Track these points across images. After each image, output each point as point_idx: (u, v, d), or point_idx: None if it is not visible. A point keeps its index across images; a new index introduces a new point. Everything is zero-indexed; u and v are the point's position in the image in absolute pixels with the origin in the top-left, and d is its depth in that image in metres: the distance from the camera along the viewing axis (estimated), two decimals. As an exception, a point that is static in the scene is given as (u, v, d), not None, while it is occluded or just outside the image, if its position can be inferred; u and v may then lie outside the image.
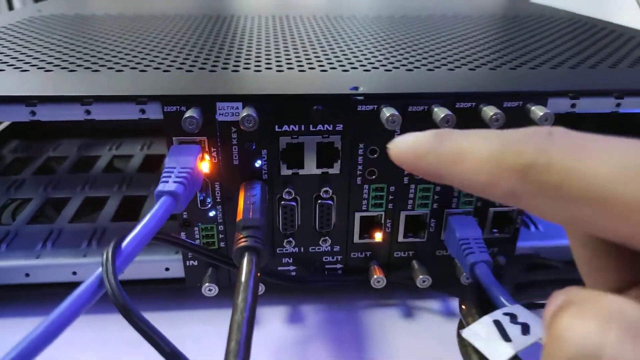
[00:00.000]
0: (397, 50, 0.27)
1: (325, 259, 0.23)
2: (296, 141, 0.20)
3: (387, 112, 0.19)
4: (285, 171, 0.21)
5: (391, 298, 0.24)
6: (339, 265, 0.23)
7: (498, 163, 0.12)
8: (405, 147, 0.14)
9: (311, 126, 0.20)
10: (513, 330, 0.15)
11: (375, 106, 0.19)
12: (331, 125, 0.20)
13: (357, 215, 0.22)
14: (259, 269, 0.17)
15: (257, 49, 0.26)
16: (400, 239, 0.23)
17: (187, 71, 0.22)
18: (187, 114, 0.18)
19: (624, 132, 0.11)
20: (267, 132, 0.20)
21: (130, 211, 0.27)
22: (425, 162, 0.13)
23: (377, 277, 0.22)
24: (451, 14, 0.39)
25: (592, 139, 0.11)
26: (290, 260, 0.23)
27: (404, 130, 0.19)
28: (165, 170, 0.18)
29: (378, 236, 0.23)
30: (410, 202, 0.22)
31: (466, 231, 0.21)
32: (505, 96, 0.20)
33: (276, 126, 0.20)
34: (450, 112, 0.19)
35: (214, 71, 0.22)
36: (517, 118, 0.20)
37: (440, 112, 0.19)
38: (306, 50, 0.26)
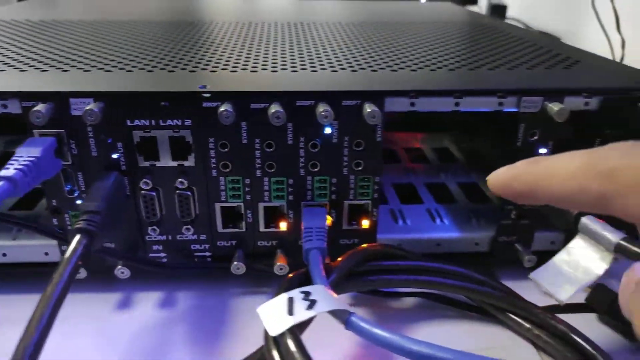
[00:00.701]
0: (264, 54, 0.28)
1: (194, 246, 0.25)
2: (149, 135, 0.22)
3: (223, 107, 0.20)
4: (142, 163, 0.22)
5: (265, 286, 0.26)
6: (207, 253, 0.25)
7: (588, 169, 0.14)
8: (503, 173, 0.16)
9: (161, 121, 0.21)
10: (300, 305, 0.17)
11: (220, 103, 0.21)
12: (180, 120, 0.22)
13: (217, 205, 0.23)
14: (88, 250, 0.18)
15: (128, 51, 0.28)
16: (262, 228, 0.24)
17: (86, 71, 0.24)
18: (34, 108, 0.20)
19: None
20: (119, 126, 0.21)
21: None
22: (519, 182, 0.16)
23: (237, 264, 0.24)
24: (334, 20, 0.41)
25: None
26: (160, 248, 0.24)
27: (245, 126, 0.21)
28: (12, 158, 0.19)
29: (241, 225, 0.24)
30: (266, 193, 0.23)
31: (312, 221, 0.23)
32: (344, 95, 0.22)
33: (128, 121, 0.21)
34: (282, 110, 0.21)
35: (89, 71, 0.24)
36: (353, 117, 0.22)
37: (272, 108, 0.21)
38: (171, 52, 0.28)
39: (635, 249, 0.18)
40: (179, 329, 0.23)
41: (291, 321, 0.16)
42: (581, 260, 0.19)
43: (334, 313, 0.17)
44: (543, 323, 0.21)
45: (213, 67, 0.25)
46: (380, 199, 0.29)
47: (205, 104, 0.21)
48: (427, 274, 0.23)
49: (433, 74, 0.25)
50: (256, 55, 0.28)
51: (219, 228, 0.24)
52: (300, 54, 0.29)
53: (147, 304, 0.25)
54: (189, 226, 0.24)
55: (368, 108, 0.21)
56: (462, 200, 0.29)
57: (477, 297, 0.23)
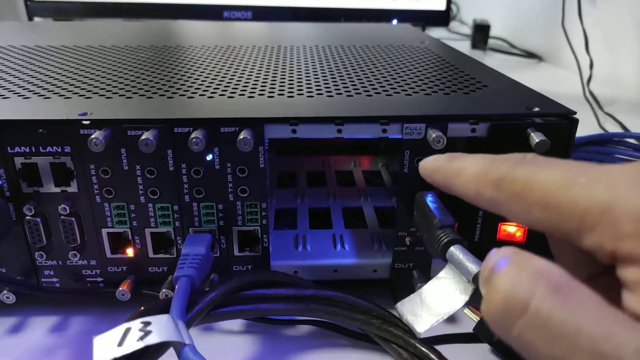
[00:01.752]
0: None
1: (85, 271, 0.25)
2: (30, 161, 0.22)
3: (98, 135, 0.21)
4: (26, 189, 0.22)
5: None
6: (99, 279, 0.25)
7: (482, 177, 0.16)
8: (428, 163, 0.19)
9: (41, 148, 0.22)
10: (133, 336, 0.17)
11: (96, 130, 0.21)
12: (60, 147, 0.22)
13: (104, 231, 0.24)
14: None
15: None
16: (151, 254, 0.24)
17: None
18: None
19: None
20: (1, 153, 0.22)
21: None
22: (438, 175, 0.19)
23: (121, 291, 0.24)
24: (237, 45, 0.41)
25: (551, 162, 0.15)
26: (52, 272, 0.24)
27: (125, 153, 0.22)
28: None
29: (130, 252, 0.24)
30: (152, 219, 0.23)
31: (191, 248, 0.22)
32: (222, 122, 0.22)
33: (8, 148, 0.22)
34: (152, 138, 0.21)
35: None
36: (233, 144, 0.22)
37: (144, 135, 0.21)
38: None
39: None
40: (66, 353, 0.23)
41: (117, 352, 0.16)
42: (445, 291, 0.19)
43: (171, 344, 0.17)
44: (417, 353, 0.21)
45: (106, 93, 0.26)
46: (289, 224, 0.28)
47: (82, 131, 0.21)
48: (310, 301, 0.22)
49: (323, 99, 0.25)
50: (146, 81, 0.28)
51: (108, 254, 0.24)
52: (196, 79, 0.29)
53: (40, 328, 0.25)
54: (75, 252, 0.24)
55: (242, 135, 0.21)
56: (373, 225, 0.29)
57: (361, 326, 0.22)
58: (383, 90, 0.27)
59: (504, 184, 0.15)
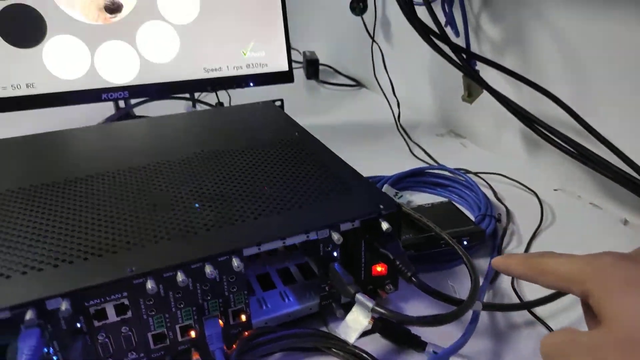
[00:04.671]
0: None
1: (136, 363, 0.38)
2: (100, 307, 0.34)
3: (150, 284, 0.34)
4: (97, 324, 0.35)
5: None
6: (146, 364, 0.38)
7: (523, 264, 0.32)
8: (499, 262, 0.34)
9: (107, 297, 0.34)
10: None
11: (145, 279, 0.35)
12: (120, 294, 0.35)
13: (149, 334, 0.37)
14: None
15: None
16: (180, 339, 0.38)
17: None
18: None
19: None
20: None
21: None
22: (501, 267, 0.33)
23: (168, 366, 0.38)
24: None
25: (557, 255, 0.30)
26: (114, 370, 0.37)
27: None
28: None
29: (167, 341, 0.38)
30: (180, 319, 0.38)
31: (210, 329, 0.38)
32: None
33: (85, 302, 0.34)
34: (184, 278, 0.35)
35: None
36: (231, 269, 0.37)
37: (180, 277, 0.35)
38: None
39: (380, 309, 0.37)
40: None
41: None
42: (358, 318, 0.38)
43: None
44: (351, 352, 0.39)
45: None
46: (249, 291, 0.44)
47: (135, 282, 0.35)
48: (282, 338, 0.39)
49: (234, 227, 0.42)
50: None
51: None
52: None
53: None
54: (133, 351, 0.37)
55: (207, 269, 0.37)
56: (300, 279, 0.47)
57: (314, 344, 0.40)
58: (284, 207, 0.44)
59: (534, 267, 0.30)
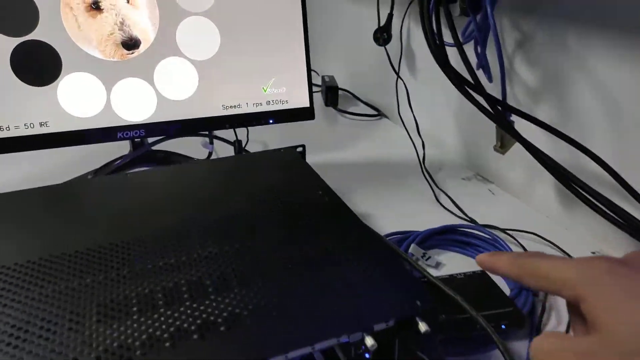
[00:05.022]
0: None
1: None
2: None
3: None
4: None
5: None
6: None
7: (513, 264, 0.32)
8: (483, 259, 0.35)
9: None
10: None
11: None
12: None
13: None
14: None
15: None
16: None
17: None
18: None
19: None
20: None
21: None
22: (486, 265, 0.34)
23: None
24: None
25: (548, 256, 0.30)
26: None
27: None
28: None
29: None
30: None
31: None
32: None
33: None
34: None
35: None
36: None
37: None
38: None
39: None
40: None
41: None
42: None
43: None
44: None
45: None
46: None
47: None
48: None
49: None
50: None
51: None
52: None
53: None
54: None
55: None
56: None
57: None
58: (309, 299, 0.40)
59: (523, 267, 0.30)
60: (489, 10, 0.61)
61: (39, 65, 0.69)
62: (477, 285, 0.53)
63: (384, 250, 0.46)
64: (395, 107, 0.92)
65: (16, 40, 0.67)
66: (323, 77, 1.22)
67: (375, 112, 1.14)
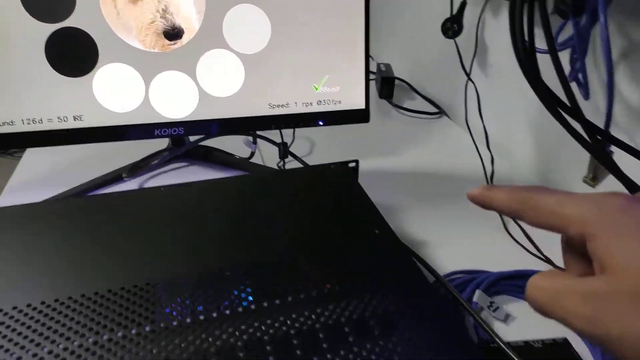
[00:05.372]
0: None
1: None
2: None
3: None
4: None
5: None
6: None
7: (512, 197, 0.28)
8: (475, 191, 0.30)
9: None
10: None
11: None
12: None
13: None
14: None
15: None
16: None
17: None
18: None
19: None
20: None
21: None
22: (480, 199, 0.30)
23: None
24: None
25: (550, 190, 0.27)
26: None
27: None
28: None
29: None
30: None
31: None
32: None
33: None
34: None
35: None
36: None
37: None
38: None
39: None
40: None
41: None
42: None
43: None
44: None
45: None
46: None
47: None
48: None
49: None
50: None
51: None
52: None
53: None
54: None
55: None
56: None
57: None
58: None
59: (524, 202, 0.27)
60: (601, 12, 0.49)
61: (74, 55, 0.63)
62: (556, 356, 0.44)
63: (442, 298, 0.38)
64: (458, 105, 0.82)
65: (51, 27, 0.61)
66: (379, 65, 1.12)
67: (435, 110, 1.03)
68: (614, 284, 0.22)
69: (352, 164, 0.59)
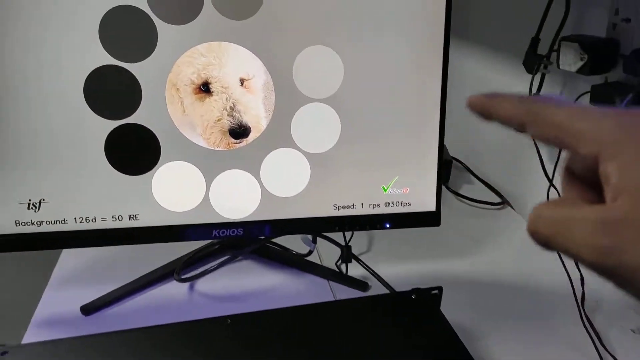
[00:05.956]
0: None
1: None
2: None
3: None
4: None
5: None
6: None
7: (518, 106, 0.24)
8: (475, 98, 0.26)
9: None
10: None
11: None
12: None
13: None
14: None
15: None
16: None
17: None
18: None
19: None
20: None
21: None
22: (481, 107, 0.25)
23: None
24: None
25: (562, 101, 0.23)
26: None
27: None
28: None
29: None
30: None
31: None
32: None
33: None
34: None
35: None
36: None
37: None
38: None
39: None
40: None
41: None
42: None
43: None
44: None
45: None
46: None
47: None
48: None
49: None
50: None
51: None
52: None
53: None
54: None
55: None
56: None
57: None
58: None
59: (531, 112, 0.23)
60: None
61: (135, 152, 0.60)
62: None
63: None
64: (525, 195, 0.75)
65: (113, 124, 0.58)
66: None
67: (499, 200, 0.96)
68: (633, 211, 0.19)
69: (435, 291, 0.53)
